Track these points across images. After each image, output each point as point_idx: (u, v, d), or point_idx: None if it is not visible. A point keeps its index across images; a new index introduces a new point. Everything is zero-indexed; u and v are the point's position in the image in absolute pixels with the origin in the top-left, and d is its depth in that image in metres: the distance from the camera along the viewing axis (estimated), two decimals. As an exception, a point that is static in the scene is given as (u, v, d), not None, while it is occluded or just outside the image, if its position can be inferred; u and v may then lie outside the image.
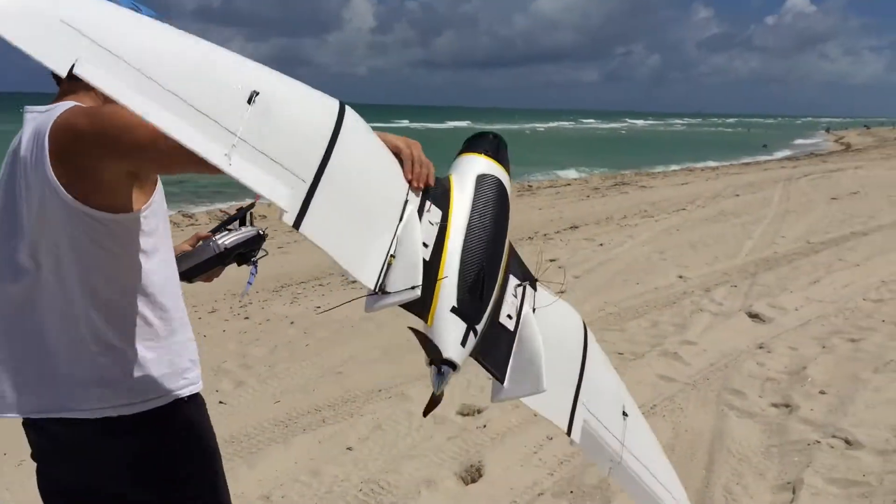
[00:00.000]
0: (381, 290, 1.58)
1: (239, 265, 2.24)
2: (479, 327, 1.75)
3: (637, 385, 4.97)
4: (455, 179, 1.95)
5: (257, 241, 2.23)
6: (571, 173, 27.38)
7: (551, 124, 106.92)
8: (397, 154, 1.77)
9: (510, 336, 1.87)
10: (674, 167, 29.77)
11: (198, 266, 2.14)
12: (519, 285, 1.97)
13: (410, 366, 5.48)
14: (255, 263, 2.26)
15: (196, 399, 1.88)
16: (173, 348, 1.82)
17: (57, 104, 1.67)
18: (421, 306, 1.66)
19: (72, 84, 1.63)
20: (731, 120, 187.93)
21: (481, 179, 1.97)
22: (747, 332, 6.21)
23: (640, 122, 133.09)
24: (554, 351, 1.92)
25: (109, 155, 1.57)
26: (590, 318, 6.68)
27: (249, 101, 1.43)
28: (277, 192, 1.43)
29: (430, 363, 1.64)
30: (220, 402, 4.81)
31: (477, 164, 2.01)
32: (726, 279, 8.24)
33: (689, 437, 4.21)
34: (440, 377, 1.65)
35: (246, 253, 2.21)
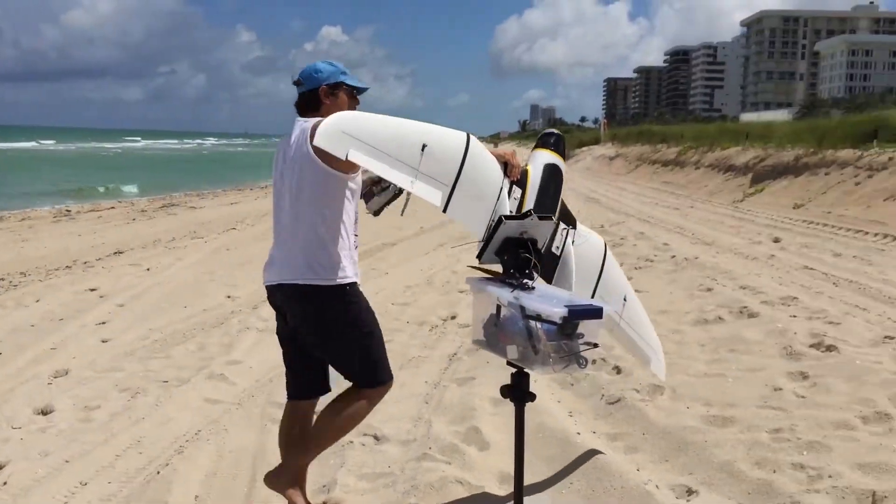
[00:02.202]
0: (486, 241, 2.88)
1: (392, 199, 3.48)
2: (538, 256, 2.98)
3: (182, 411, 4.87)
4: (531, 169, 3.34)
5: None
6: (126, 193, 26.16)
7: (125, 144, 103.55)
8: (502, 160, 3.15)
9: (556, 259, 3.33)
10: (225, 187, 29.95)
11: (387, 202, 3.44)
12: (564, 229, 3.39)
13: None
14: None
15: (356, 285, 3.20)
16: (351, 253, 3.19)
17: (313, 118, 3.10)
18: None
19: (317, 112, 3.18)
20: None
21: (546, 167, 3.36)
22: (291, 346, 6.47)
23: (210, 141, 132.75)
24: (582, 262, 3.44)
25: None
26: (133, 346, 6.39)
27: (422, 150, 2.79)
28: (434, 195, 2.79)
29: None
30: None
31: (543, 157, 3.43)
32: (273, 295, 8.48)
33: (234, 457, 4.23)
34: None
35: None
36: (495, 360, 3.08)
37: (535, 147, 3.50)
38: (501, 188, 3.02)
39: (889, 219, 14.27)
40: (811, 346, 5.75)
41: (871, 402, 4.49)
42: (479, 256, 2.64)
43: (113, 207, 20.72)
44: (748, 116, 74.78)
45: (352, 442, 4.33)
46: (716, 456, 3.93)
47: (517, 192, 3.17)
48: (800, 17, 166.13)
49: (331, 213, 3.10)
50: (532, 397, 2.45)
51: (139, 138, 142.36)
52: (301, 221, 3.11)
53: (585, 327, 2.25)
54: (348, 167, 3.02)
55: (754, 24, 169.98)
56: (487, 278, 2.55)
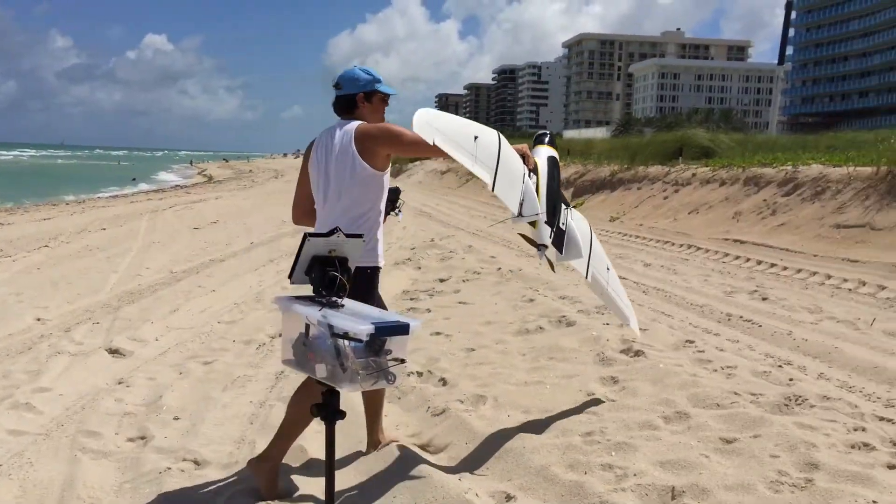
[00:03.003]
0: (520, 215, 3.88)
1: (390, 211, 4.05)
2: (554, 230, 4.13)
3: (-19, 446, 4.50)
4: (538, 161, 4.26)
5: (396, 192, 4.06)
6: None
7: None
8: (521, 153, 4.09)
9: (563, 233, 4.28)
10: (38, 202, 28.11)
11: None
12: (565, 208, 4.39)
13: None
14: (399, 208, 4.13)
15: (379, 270, 3.86)
16: (379, 240, 3.85)
17: (351, 120, 3.86)
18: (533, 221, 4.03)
19: (353, 114, 3.89)
20: (118, 153, 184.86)
21: (549, 159, 4.36)
22: (106, 370, 6.14)
23: (29, 153, 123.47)
24: (580, 235, 4.39)
25: (385, 144, 3.75)
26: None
27: (475, 140, 3.70)
28: (486, 175, 3.68)
29: (537, 247, 4.10)
30: None
31: (544, 151, 4.44)
32: (89, 316, 8.04)
33: (38, 491, 3.96)
34: (541, 252, 4.10)
35: (394, 200, 4.05)
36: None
37: (535, 145, 4.56)
38: (524, 173, 3.96)
39: (692, 230, 15.45)
40: (621, 351, 6.12)
41: (672, 403, 4.84)
42: (290, 276, 2.62)
43: None
44: (570, 133, 78.81)
45: (170, 468, 4.18)
46: (532, 461, 4.11)
47: (533, 178, 4.08)
48: (615, 40, 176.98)
49: (368, 203, 3.77)
50: (342, 415, 2.47)
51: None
52: (342, 211, 3.73)
53: (393, 343, 2.31)
54: (383, 165, 3.79)
55: (574, 46, 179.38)
56: (295, 297, 2.54)
